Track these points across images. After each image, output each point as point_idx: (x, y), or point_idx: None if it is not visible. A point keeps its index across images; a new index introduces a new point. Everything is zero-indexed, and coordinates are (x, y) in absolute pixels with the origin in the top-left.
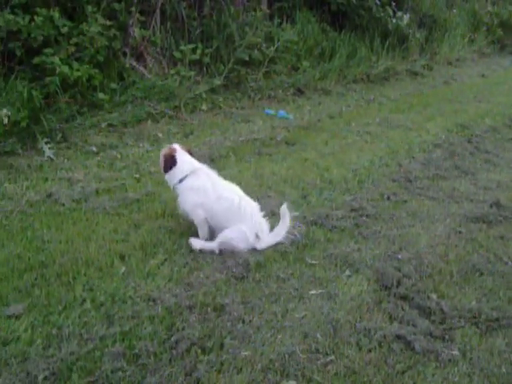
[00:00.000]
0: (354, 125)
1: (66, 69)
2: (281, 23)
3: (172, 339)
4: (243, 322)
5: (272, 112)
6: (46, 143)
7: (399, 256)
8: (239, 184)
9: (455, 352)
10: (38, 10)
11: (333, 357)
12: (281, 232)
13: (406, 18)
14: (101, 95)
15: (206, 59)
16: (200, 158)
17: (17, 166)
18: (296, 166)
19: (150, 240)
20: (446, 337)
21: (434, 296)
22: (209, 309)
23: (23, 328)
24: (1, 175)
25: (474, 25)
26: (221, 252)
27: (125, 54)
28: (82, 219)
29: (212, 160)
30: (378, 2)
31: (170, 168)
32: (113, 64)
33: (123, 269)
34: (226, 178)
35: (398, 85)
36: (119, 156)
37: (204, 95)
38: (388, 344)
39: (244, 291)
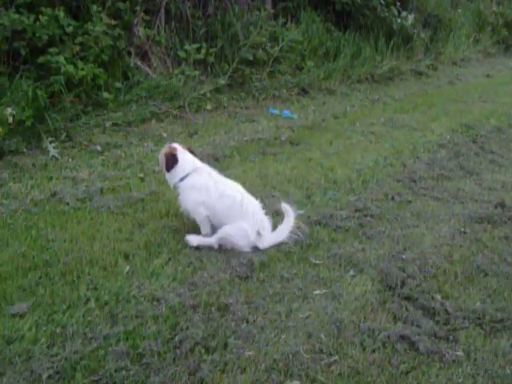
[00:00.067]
0: (358, 125)
1: (70, 68)
2: (285, 23)
3: (176, 339)
4: (247, 321)
5: (276, 112)
6: (51, 142)
7: (403, 256)
8: (243, 184)
9: (459, 353)
10: (42, 9)
11: (337, 357)
12: (284, 231)
13: (411, 17)
14: (105, 94)
15: (211, 59)
16: (204, 158)
17: (21, 165)
18: (300, 165)
19: (154, 239)
20: (451, 337)
21: (438, 296)
22: (213, 308)
23: (27, 327)
24: (5, 174)
25: (478, 25)
26: (220, 247)
27: (129, 54)
28: (87, 218)
29: (216, 160)
30: (383, 2)
31: (172, 167)
32: (117, 63)
33: (127, 268)
34: (230, 177)
35: (402, 85)
36: (123, 155)
37: (208, 95)
38: (392, 344)
39: (248, 291)
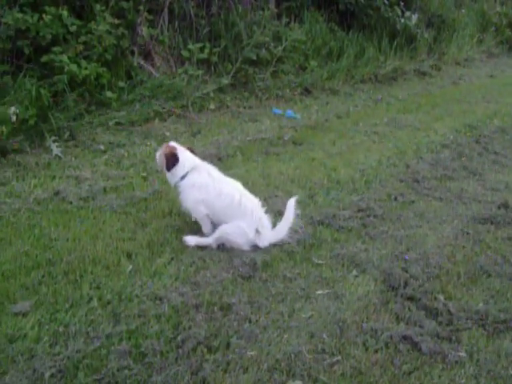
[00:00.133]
0: (361, 125)
1: (74, 67)
2: (289, 22)
3: (178, 338)
4: (250, 321)
5: (279, 111)
6: (54, 141)
7: (406, 257)
8: (246, 183)
9: (462, 353)
10: (46, 8)
11: (339, 357)
12: (283, 228)
13: (415, 17)
14: (109, 94)
15: (214, 58)
16: (207, 157)
17: (25, 164)
18: (303, 165)
19: (157, 239)
20: (453, 338)
21: (441, 297)
22: (215, 308)
23: (30, 325)
24: (9, 173)
25: (482, 25)
26: (222, 247)
27: (133, 53)
28: (90, 217)
29: (219, 159)
30: (387, 2)
31: (173, 166)
32: (121, 63)
33: (130, 267)
34: (233, 177)
35: (405, 85)
36: (127, 154)
37: (212, 94)
38: (395, 345)
39: (251, 291)
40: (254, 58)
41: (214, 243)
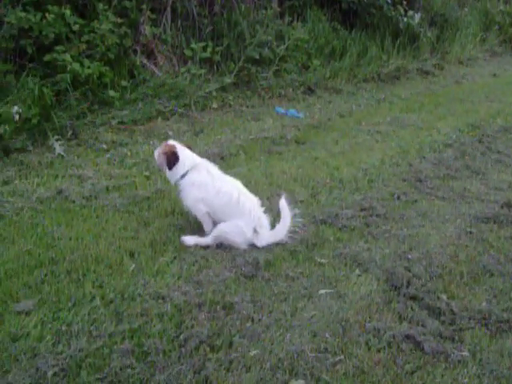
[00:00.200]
0: (364, 124)
1: (76, 66)
2: (291, 21)
3: (181, 337)
4: (252, 320)
5: (282, 110)
6: (57, 140)
7: (409, 256)
8: (249, 182)
9: (465, 353)
10: (49, 7)
11: (342, 356)
12: (281, 229)
13: (418, 16)
14: (111, 93)
15: (217, 57)
16: (210, 156)
17: (27, 163)
18: (306, 164)
19: (160, 238)
20: (456, 338)
21: (443, 296)
22: (218, 307)
23: (33, 324)
24: (12, 172)
25: (485, 24)
26: (219, 246)
27: (135, 52)
28: (92, 216)
29: (222, 158)
30: (389, 1)
31: (174, 164)
32: (123, 62)
33: (133, 266)
34: (235, 176)
35: (408, 84)
36: (129, 153)
37: (214, 93)
38: (397, 344)
39: (253, 290)
40: (257, 56)
41: (212, 242)
